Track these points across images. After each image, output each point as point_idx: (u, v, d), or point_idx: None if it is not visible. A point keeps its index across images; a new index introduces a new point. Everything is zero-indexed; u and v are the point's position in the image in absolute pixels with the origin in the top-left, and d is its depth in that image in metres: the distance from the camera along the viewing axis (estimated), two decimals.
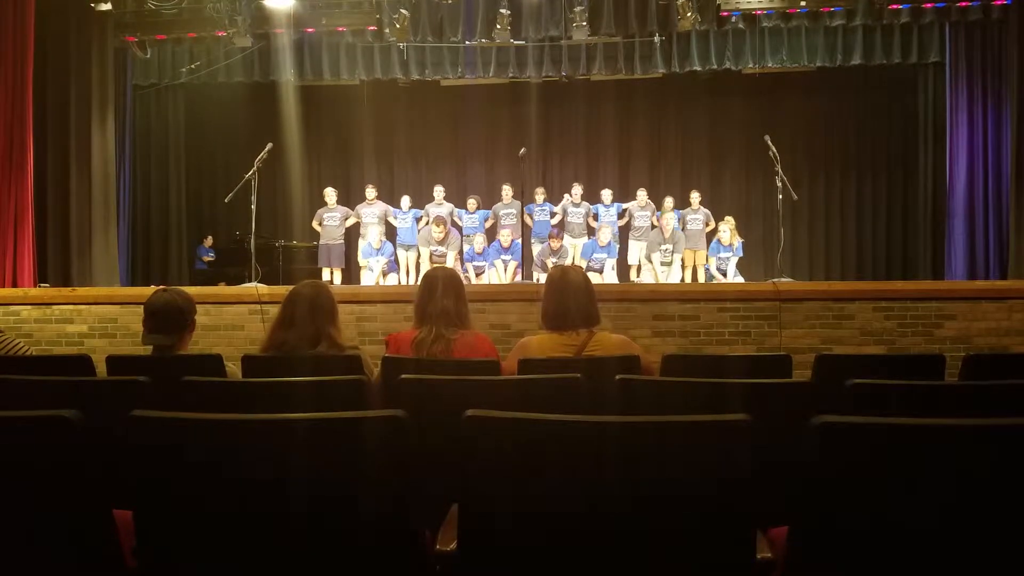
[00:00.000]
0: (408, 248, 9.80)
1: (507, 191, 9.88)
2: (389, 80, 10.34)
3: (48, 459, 1.47)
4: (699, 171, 11.42)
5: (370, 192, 10.07)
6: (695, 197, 9.88)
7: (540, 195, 10.18)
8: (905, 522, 1.32)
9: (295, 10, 8.94)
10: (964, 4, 8.92)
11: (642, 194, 10.08)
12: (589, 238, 9.74)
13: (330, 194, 10.06)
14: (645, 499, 1.36)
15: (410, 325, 3.11)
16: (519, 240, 9.25)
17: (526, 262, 9.15)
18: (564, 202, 10.08)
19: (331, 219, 9.89)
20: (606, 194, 10.23)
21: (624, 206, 10.18)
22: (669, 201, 9.90)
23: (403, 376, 2.30)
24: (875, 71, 10.19)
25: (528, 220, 9.70)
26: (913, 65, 9.93)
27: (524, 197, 8.52)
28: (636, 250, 9.90)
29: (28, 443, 1.48)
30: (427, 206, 10.07)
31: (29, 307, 6.06)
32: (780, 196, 7.31)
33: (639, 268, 9.86)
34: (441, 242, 9.49)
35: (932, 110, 10.09)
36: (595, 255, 9.39)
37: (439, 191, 10.08)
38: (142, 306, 3.08)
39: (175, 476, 1.44)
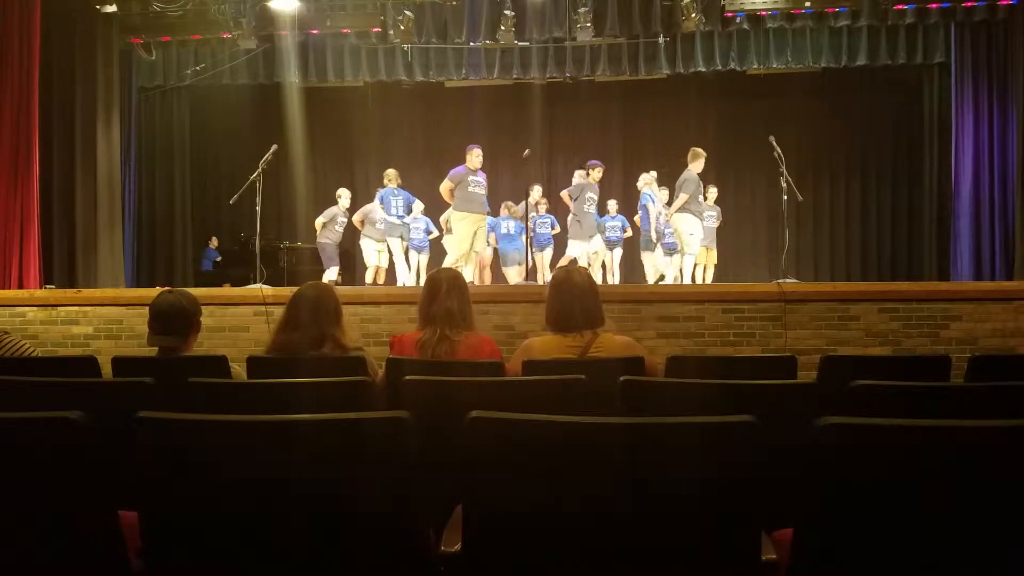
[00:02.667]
0: (420, 251, 9.52)
1: (537, 190, 9.55)
2: (393, 82, 10.35)
3: (54, 460, 1.47)
4: (704, 172, 11.38)
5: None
6: (712, 193, 9.57)
7: (543, 206, 9.91)
8: (910, 524, 1.32)
9: (299, 12, 8.97)
10: (969, 4, 8.90)
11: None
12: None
13: (345, 196, 9.68)
14: (649, 501, 1.36)
15: (414, 327, 3.11)
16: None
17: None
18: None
19: (342, 225, 9.71)
20: (611, 205, 10.04)
21: (628, 225, 9.97)
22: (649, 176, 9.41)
23: (407, 377, 2.31)
24: (880, 72, 10.17)
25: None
26: (918, 66, 9.90)
27: (529, 200, 8.50)
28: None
29: (34, 444, 1.48)
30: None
31: (35, 308, 6.08)
32: (785, 197, 7.31)
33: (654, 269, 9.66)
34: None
35: (937, 111, 10.06)
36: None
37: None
38: (147, 307, 3.08)
39: (180, 477, 1.45)
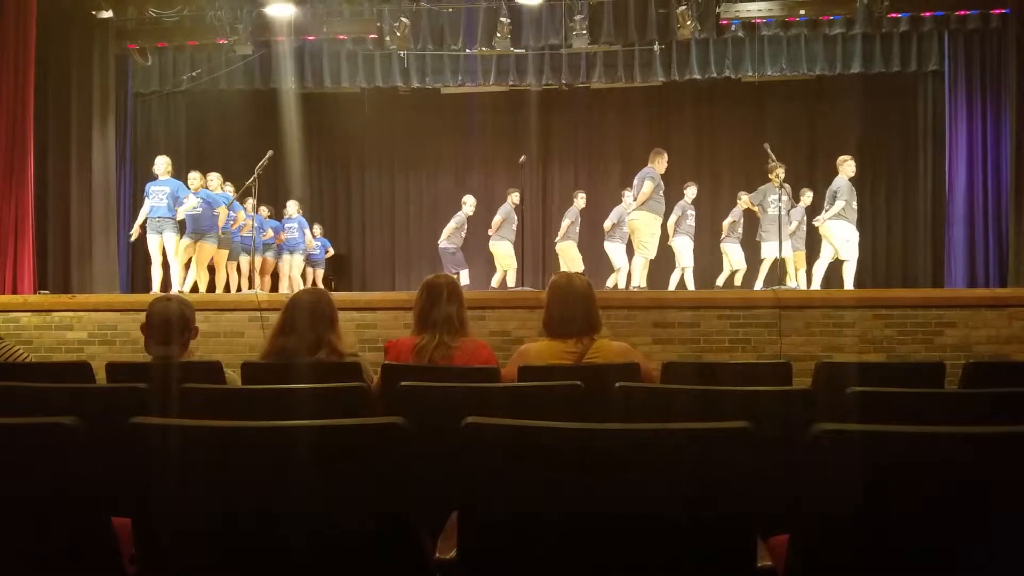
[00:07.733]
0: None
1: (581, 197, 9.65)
2: (389, 88, 10.36)
3: (47, 466, 1.47)
4: (699, 179, 11.42)
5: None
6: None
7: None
8: (905, 531, 1.32)
9: (296, 18, 8.98)
10: (963, 13, 8.97)
11: (690, 191, 9.61)
12: None
13: (470, 202, 9.73)
14: (645, 507, 1.36)
15: (410, 332, 3.11)
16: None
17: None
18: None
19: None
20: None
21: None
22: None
23: (403, 383, 2.30)
24: (874, 79, 10.20)
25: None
26: (912, 73, 9.95)
27: (525, 204, 8.53)
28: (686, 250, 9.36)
29: (27, 450, 1.47)
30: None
31: (29, 314, 6.06)
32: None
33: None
34: None
35: (931, 118, 10.10)
36: None
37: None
38: (142, 313, 3.08)
39: (174, 483, 1.44)
